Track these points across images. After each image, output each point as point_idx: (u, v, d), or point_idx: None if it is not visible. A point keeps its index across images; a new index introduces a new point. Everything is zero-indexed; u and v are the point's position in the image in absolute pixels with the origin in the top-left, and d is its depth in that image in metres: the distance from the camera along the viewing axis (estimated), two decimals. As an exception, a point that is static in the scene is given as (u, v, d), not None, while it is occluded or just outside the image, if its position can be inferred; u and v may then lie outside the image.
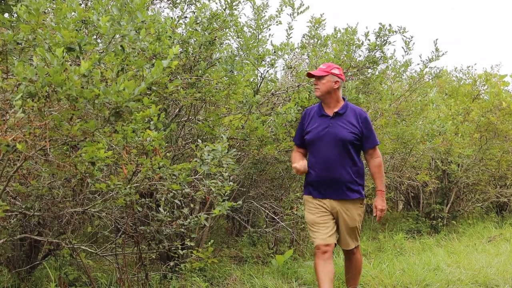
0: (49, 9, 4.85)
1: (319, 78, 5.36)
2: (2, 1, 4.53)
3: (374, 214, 5.50)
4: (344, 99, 5.52)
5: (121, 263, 5.89)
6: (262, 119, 6.70)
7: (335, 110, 5.39)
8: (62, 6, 3.75)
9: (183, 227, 5.66)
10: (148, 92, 4.44)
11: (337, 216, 5.39)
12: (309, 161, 5.49)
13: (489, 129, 11.87)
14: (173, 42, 5.81)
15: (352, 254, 5.58)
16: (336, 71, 5.37)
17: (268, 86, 7.49)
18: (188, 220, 5.64)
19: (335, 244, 5.40)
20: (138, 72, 3.95)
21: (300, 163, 5.43)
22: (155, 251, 6.10)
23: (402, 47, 8.36)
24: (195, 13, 6.40)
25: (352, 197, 5.35)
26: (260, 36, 7.30)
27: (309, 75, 5.46)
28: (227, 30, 6.94)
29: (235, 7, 6.54)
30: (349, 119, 5.36)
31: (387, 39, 7.79)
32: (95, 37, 4.81)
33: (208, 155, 5.14)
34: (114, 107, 3.32)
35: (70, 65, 3.59)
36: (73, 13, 3.93)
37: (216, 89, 6.18)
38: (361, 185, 5.42)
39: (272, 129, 6.70)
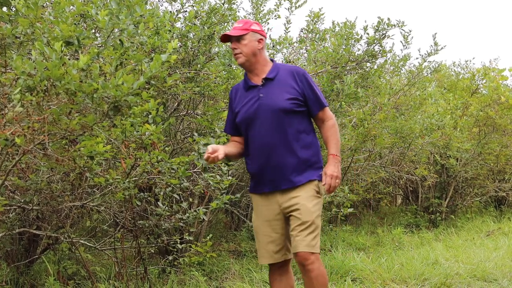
0: (47, 3, 4.85)
1: (238, 39, 4.16)
2: (0, -5, 4.52)
3: (323, 183, 4.09)
4: (272, 60, 4.31)
5: (120, 257, 5.90)
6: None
7: (263, 76, 4.19)
8: (60, 0, 3.75)
9: (181, 221, 5.67)
10: (147, 86, 4.44)
11: (288, 211, 4.11)
12: (247, 148, 4.29)
13: (488, 123, 11.87)
14: (172, 36, 5.81)
15: (310, 264, 4.01)
16: (256, 27, 4.21)
17: (267, 80, 7.48)
18: (187, 214, 5.65)
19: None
20: (137, 66, 3.95)
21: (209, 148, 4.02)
22: (154, 245, 6.11)
23: (401, 41, 8.37)
24: (194, 7, 6.39)
25: (302, 181, 4.08)
26: (258, 30, 7.29)
27: (224, 38, 4.24)
28: (225, 24, 6.93)
29: (233, 1, 6.53)
30: (284, 81, 4.15)
31: (386, 33, 7.79)
32: (93, 31, 4.81)
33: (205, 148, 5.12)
34: (112, 101, 3.32)
35: (69, 59, 3.59)
36: (71, 7, 3.92)
37: (215, 83, 6.18)
38: (314, 165, 4.17)
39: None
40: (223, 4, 6.49)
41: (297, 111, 4.10)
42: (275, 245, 4.19)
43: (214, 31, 6.34)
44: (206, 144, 5.05)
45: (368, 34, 7.76)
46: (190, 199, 6.25)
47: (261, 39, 4.21)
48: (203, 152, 5.01)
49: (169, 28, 5.77)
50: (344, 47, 7.63)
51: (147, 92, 3.55)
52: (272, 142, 4.08)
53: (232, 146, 4.32)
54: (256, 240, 4.30)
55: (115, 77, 3.27)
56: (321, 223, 4.18)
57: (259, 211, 4.25)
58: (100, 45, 3.72)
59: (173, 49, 3.70)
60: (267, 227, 4.19)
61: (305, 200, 4.06)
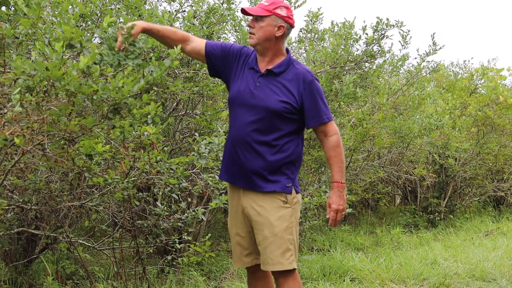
0: (46, 2, 4.84)
1: (257, 18, 3.75)
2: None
3: (327, 216, 3.79)
4: (288, 51, 3.88)
5: (119, 257, 5.90)
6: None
7: (270, 66, 3.79)
8: (61, 0, 3.75)
9: (180, 221, 5.66)
10: (147, 86, 4.43)
11: (250, 220, 3.80)
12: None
13: (486, 123, 11.89)
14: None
15: (284, 284, 3.73)
16: (282, 12, 3.77)
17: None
18: (186, 214, 5.64)
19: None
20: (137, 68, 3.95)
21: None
22: (152, 245, 6.10)
23: (400, 41, 8.38)
24: (193, 7, 6.39)
25: (267, 189, 3.70)
26: (257, 30, 7.29)
27: (244, 12, 3.83)
28: (224, 24, 6.93)
29: (232, 1, 6.53)
30: (285, 81, 3.74)
31: (385, 33, 7.79)
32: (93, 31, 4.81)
33: (205, 148, 5.12)
34: (112, 104, 3.31)
35: (68, 58, 3.59)
36: (73, 7, 3.92)
37: (214, 83, 6.17)
38: (284, 174, 3.75)
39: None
40: (222, 4, 6.49)
41: (286, 116, 3.72)
42: (243, 249, 3.90)
43: (213, 31, 6.34)
44: (208, 143, 5.04)
45: (367, 34, 7.76)
46: (189, 199, 6.24)
47: (282, 26, 3.75)
48: (203, 153, 5.00)
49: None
50: (343, 47, 7.63)
51: (147, 95, 3.54)
52: (246, 136, 3.72)
53: (180, 33, 3.85)
54: (230, 236, 4.00)
55: (115, 79, 3.27)
56: (294, 235, 3.77)
57: (229, 204, 3.97)
58: (101, 48, 3.71)
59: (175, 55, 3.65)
60: (234, 226, 3.91)
61: (268, 213, 3.70)
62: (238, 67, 3.89)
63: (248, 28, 3.81)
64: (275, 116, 3.69)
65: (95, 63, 3.26)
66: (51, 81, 3.08)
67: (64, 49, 3.14)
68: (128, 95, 3.27)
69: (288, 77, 3.76)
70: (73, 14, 3.64)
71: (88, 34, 4.24)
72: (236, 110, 3.80)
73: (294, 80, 3.75)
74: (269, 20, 3.72)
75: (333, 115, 7.38)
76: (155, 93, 4.40)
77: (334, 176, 3.76)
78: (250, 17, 3.84)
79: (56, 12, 3.71)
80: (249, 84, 3.78)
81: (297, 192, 3.83)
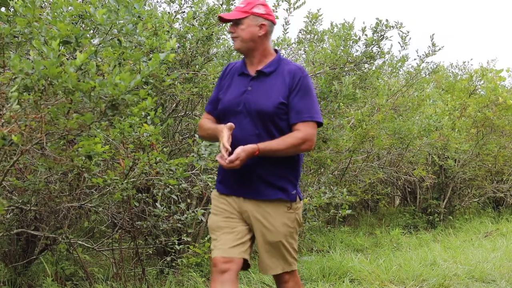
0: (46, 3, 4.85)
1: (236, 22, 3.61)
2: (-1, -5, 4.52)
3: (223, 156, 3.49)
4: (276, 51, 3.75)
5: (118, 258, 5.89)
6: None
7: (260, 67, 3.65)
8: (58, 0, 3.75)
9: (180, 222, 5.66)
10: (144, 87, 4.44)
11: (251, 224, 3.62)
12: None
13: (486, 124, 11.88)
14: (171, 37, 5.81)
15: (283, 283, 3.70)
16: (259, 10, 3.60)
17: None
18: (185, 215, 5.64)
19: (247, 263, 3.64)
20: (135, 66, 3.95)
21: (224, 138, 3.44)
22: (151, 246, 6.10)
23: (399, 42, 8.38)
24: (192, 8, 6.40)
25: (272, 197, 3.56)
26: (257, 31, 7.29)
27: (222, 19, 3.70)
28: (224, 25, 6.94)
29: (232, 2, 6.53)
30: (277, 81, 3.59)
31: (384, 34, 7.79)
32: (92, 31, 4.81)
33: (205, 150, 5.12)
34: (110, 100, 3.31)
35: (67, 59, 3.59)
36: (69, 7, 3.92)
37: (213, 84, 6.18)
38: (290, 181, 3.62)
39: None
40: (221, 5, 6.50)
41: (283, 118, 3.56)
42: (234, 238, 3.58)
43: (212, 32, 6.34)
44: (208, 145, 5.03)
45: (366, 35, 7.76)
46: (188, 200, 6.24)
47: (264, 24, 3.59)
48: (203, 154, 5.00)
49: (167, 29, 5.77)
50: (342, 48, 7.62)
51: (144, 90, 3.53)
52: (246, 143, 3.45)
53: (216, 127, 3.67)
54: (211, 239, 3.69)
55: (112, 76, 3.27)
56: (295, 237, 3.69)
57: (216, 210, 3.70)
58: (99, 44, 3.71)
59: (171, 49, 3.66)
60: (226, 220, 3.63)
61: (273, 219, 3.58)
62: (226, 80, 3.78)
63: (230, 34, 3.66)
64: (271, 119, 3.53)
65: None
66: (49, 79, 3.08)
67: (60, 47, 3.14)
68: (125, 91, 3.26)
69: (279, 76, 3.60)
70: (68, 12, 3.64)
71: (88, 35, 4.24)
72: (231, 119, 3.59)
73: (285, 77, 3.59)
74: (248, 21, 3.58)
75: (332, 116, 7.39)
76: (151, 85, 4.39)
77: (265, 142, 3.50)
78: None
79: (55, 13, 3.71)
80: (240, 90, 3.64)
81: (300, 199, 3.71)
